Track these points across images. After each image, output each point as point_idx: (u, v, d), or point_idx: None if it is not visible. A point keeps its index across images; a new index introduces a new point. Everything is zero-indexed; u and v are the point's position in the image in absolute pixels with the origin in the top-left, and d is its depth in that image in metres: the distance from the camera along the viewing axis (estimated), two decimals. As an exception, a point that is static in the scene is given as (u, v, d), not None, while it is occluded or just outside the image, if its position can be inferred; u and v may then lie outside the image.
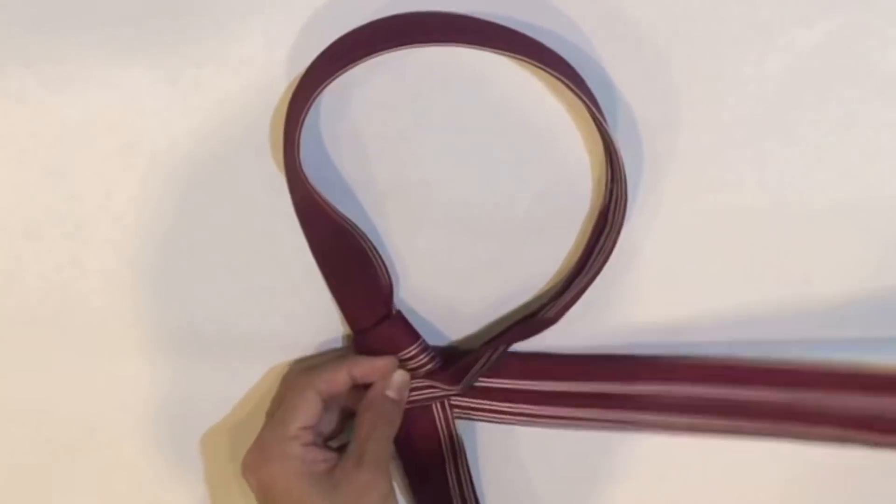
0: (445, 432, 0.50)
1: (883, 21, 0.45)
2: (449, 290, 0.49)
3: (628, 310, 0.49)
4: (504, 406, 0.50)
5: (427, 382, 0.48)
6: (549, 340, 0.49)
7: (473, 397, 0.49)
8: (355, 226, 0.47)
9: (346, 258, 0.48)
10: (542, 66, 0.43)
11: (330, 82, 0.42)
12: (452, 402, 0.49)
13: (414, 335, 0.48)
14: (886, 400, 0.47)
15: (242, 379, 0.50)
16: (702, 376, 0.48)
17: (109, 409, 0.50)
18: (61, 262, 0.48)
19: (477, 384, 0.49)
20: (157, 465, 0.51)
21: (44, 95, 0.45)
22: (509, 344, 0.48)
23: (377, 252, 0.48)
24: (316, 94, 0.43)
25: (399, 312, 0.48)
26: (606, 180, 0.46)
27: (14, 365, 0.50)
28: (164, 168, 0.47)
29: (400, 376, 0.48)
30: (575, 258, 0.48)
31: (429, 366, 0.48)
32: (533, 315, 0.49)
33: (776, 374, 0.48)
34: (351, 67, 0.42)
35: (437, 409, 0.49)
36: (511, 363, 0.49)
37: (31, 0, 0.44)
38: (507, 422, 0.50)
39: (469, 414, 0.50)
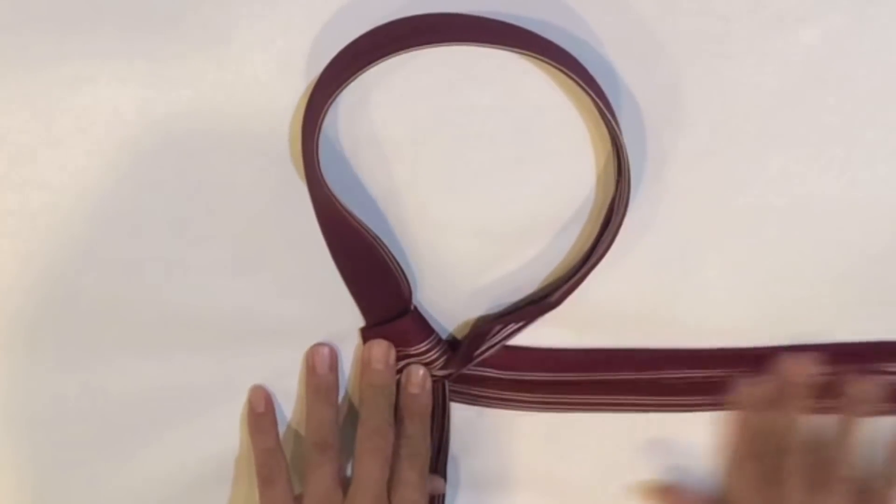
0: (440, 410, 0.51)
1: (883, 21, 0.45)
2: (459, 287, 0.50)
3: (628, 304, 0.50)
4: (493, 393, 0.51)
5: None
6: (552, 334, 0.50)
7: (470, 384, 0.51)
8: (375, 234, 0.47)
9: (367, 267, 0.48)
10: (555, 65, 0.43)
11: (347, 84, 0.43)
12: (452, 388, 0.50)
13: (428, 330, 0.49)
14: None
15: (255, 368, 0.51)
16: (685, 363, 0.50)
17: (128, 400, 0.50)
18: (66, 258, 0.48)
19: (472, 372, 0.50)
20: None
21: (53, 98, 0.46)
22: (509, 324, 0.49)
23: (396, 261, 0.48)
24: (333, 97, 0.43)
25: (416, 308, 0.49)
26: (614, 175, 0.47)
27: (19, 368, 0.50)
28: (178, 168, 0.47)
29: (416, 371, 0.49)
30: (581, 252, 0.49)
31: (440, 360, 0.49)
32: (535, 301, 0.50)
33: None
34: (364, 70, 0.43)
35: (437, 389, 0.50)
36: (507, 356, 0.50)
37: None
38: (495, 406, 0.51)
39: (461, 397, 0.51)
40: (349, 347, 0.51)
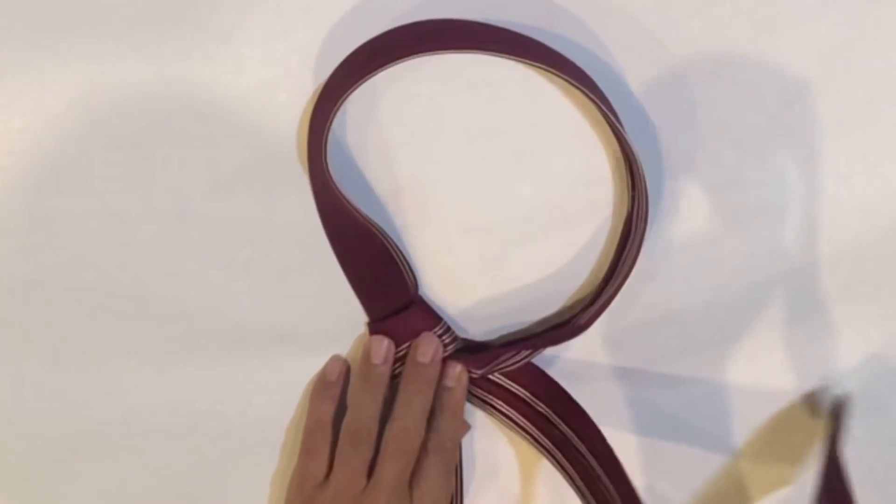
0: None
1: (884, 21, 0.45)
2: (463, 289, 0.49)
3: (654, 316, 0.50)
4: (507, 409, 0.51)
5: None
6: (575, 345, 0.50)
7: (489, 392, 0.51)
8: (382, 230, 0.48)
9: (372, 261, 0.48)
10: (562, 75, 0.43)
11: (355, 88, 0.43)
12: (470, 391, 0.50)
13: (436, 318, 0.49)
14: None
15: (262, 372, 0.50)
16: None
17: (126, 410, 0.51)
18: (65, 260, 0.48)
19: (495, 380, 0.50)
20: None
21: (54, 99, 0.46)
22: (538, 348, 0.49)
23: (404, 257, 0.48)
24: (342, 99, 0.43)
25: (422, 298, 0.49)
26: (627, 187, 0.47)
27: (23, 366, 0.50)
28: (180, 168, 0.47)
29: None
30: (605, 265, 0.49)
31: (451, 346, 0.49)
32: (564, 322, 0.49)
33: None
34: (374, 74, 0.43)
35: None
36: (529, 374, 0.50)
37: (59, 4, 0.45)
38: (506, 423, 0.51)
39: (479, 405, 0.51)
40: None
